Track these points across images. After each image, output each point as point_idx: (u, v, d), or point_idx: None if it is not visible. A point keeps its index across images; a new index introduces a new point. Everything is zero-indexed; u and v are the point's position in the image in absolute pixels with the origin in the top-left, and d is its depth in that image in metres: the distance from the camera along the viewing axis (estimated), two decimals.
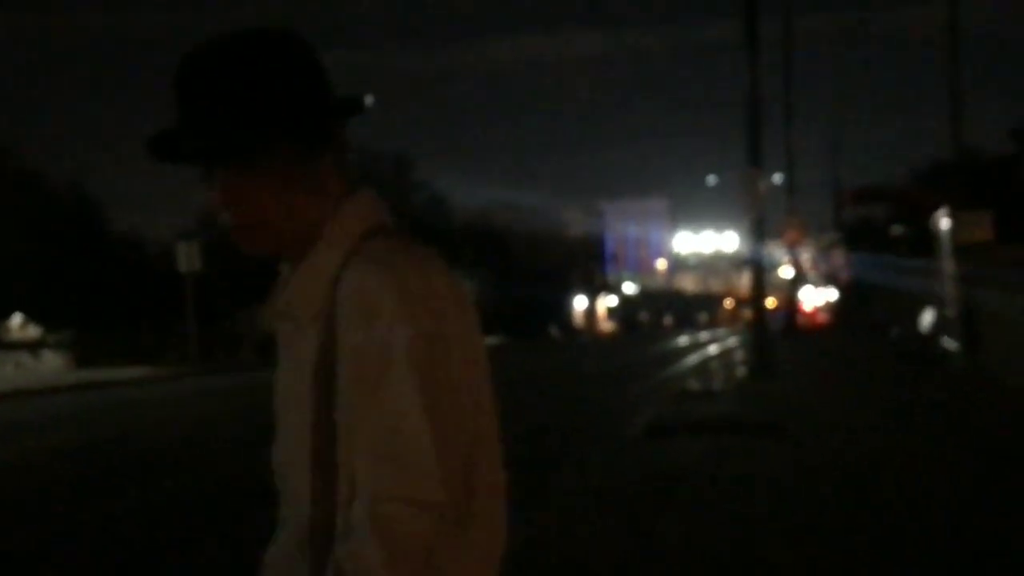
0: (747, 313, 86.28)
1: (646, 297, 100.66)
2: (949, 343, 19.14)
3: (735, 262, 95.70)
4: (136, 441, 14.55)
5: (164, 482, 10.47)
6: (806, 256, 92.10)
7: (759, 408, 14.47)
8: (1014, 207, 24.08)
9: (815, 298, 66.57)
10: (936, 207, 21.12)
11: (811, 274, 74.31)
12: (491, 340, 45.16)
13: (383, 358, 1.48)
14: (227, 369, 33.45)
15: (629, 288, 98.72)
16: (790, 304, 39.60)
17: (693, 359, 32.36)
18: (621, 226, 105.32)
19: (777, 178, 41.69)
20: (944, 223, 20.11)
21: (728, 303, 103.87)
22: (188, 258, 32.96)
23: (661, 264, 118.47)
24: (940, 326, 20.07)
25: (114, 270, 40.97)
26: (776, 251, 41.26)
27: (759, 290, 19.23)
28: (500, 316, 52.58)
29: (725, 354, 33.55)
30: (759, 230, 18.91)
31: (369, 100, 1.58)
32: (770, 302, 38.29)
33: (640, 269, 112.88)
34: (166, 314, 37.92)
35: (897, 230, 35.43)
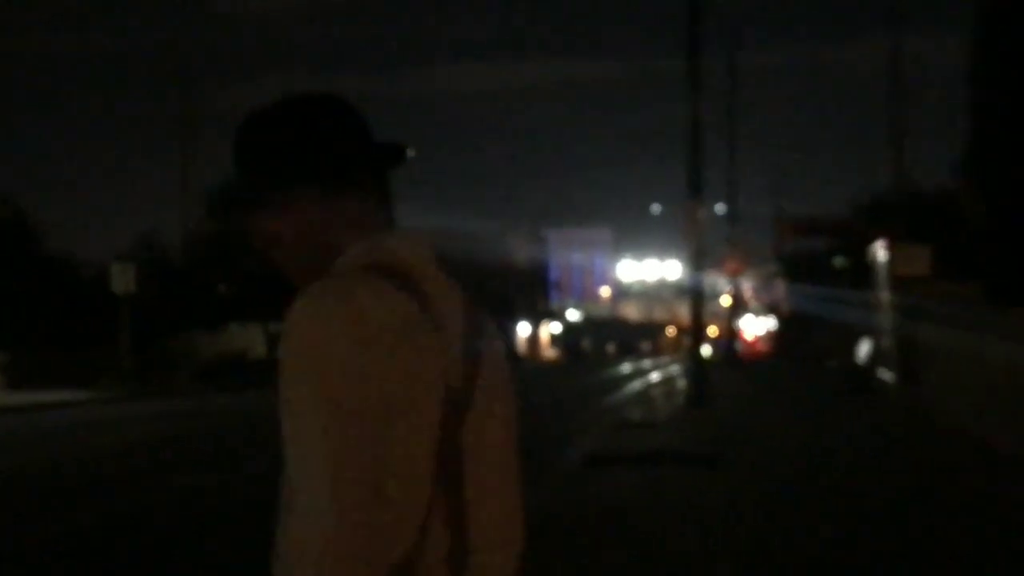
0: (689, 341, 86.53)
1: (590, 324, 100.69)
2: (885, 374, 19.27)
3: (678, 291, 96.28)
4: (51, 468, 14.19)
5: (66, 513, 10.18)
6: (748, 286, 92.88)
7: (696, 438, 14.44)
8: (953, 242, 24.36)
9: (756, 328, 67.06)
10: (875, 240, 21.33)
11: (752, 304, 74.93)
12: None
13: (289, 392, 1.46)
14: (162, 393, 32.92)
15: (573, 315, 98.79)
16: (731, 333, 39.79)
17: (634, 387, 32.38)
18: (565, 253, 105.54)
19: (720, 208, 41.99)
20: (881, 255, 20.29)
21: (670, 331, 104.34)
22: (123, 279, 32.48)
23: (605, 292, 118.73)
24: (876, 358, 20.22)
25: (48, 291, 40.30)
26: (719, 280, 41.51)
27: (698, 319, 19.27)
28: None
29: (666, 382, 33.61)
30: (699, 260, 18.99)
31: (411, 152, 1.72)
32: (712, 331, 38.41)
33: (584, 297, 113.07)
34: (101, 336, 37.36)
35: (839, 262, 35.78)
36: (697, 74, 18.74)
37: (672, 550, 7.60)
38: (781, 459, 12.25)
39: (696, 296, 19.22)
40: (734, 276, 35.66)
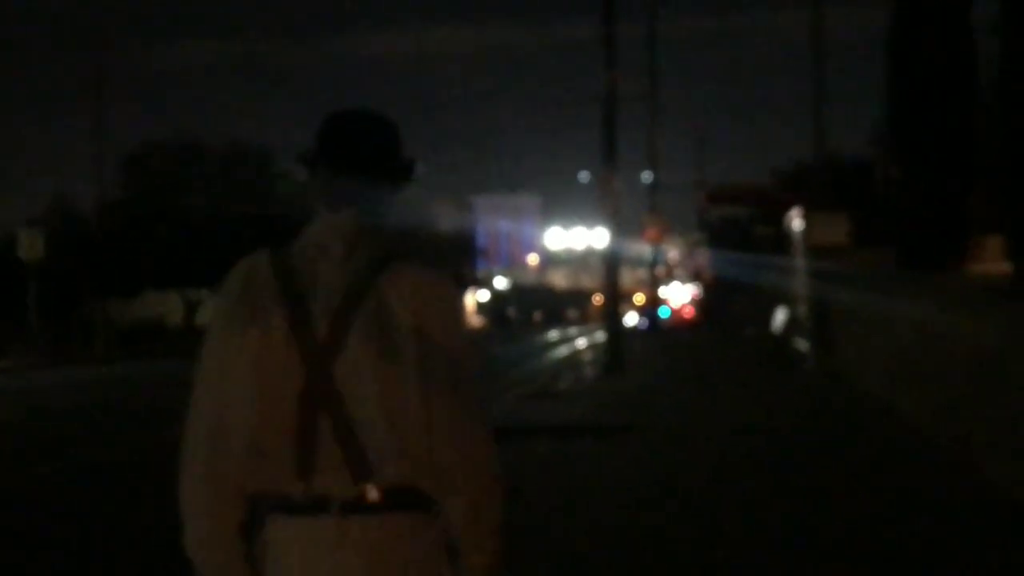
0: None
1: (517, 292, 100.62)
2: (800, 343, 19.29)
3: (605, 258, 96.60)
4: None
5: None
6: (674, 254, 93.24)
7: (609, 408, 14.27)
8: (871, 211, 24.46)
9: (683, 295, 67.38)
10: (793, 207, 21.30)
11: (679, 271, 75.25)
12: None
13: None
14: (75, 362, 32.15)
15: (500, 283, 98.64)
16: (655, 301, 39.84)
17: (556, 355, 32.26)
18: (492, 221, 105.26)
19: (646, 176, 41.87)
20: (796, 223, 20.27)
21: (597, 299, 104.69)
22: (31, 246, 31.57)
23: (533, 260, 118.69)
24: (792, 326, 20.23)
25: None
26: (647, 248, 41.49)
27: (613, 288, 19.12)
28: None
29: (589, 349, 33.54)
30: (615, 227, 18.84)
31: (420, 168, 2.45)
32: (639, 298, 38.36)
33: (511, 264, 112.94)
34: (10, 305, 36.39)
35: (762, 230, 35.87)
36: (611, 42, 18.56)
37: (579, 525, 7.38)
38: (689, 431, 12.12)
39: (612, 264, 19.07)
40: (654, 244, 35.64)
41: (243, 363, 2.19)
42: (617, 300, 19.58)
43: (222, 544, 2.24)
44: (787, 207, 21.26)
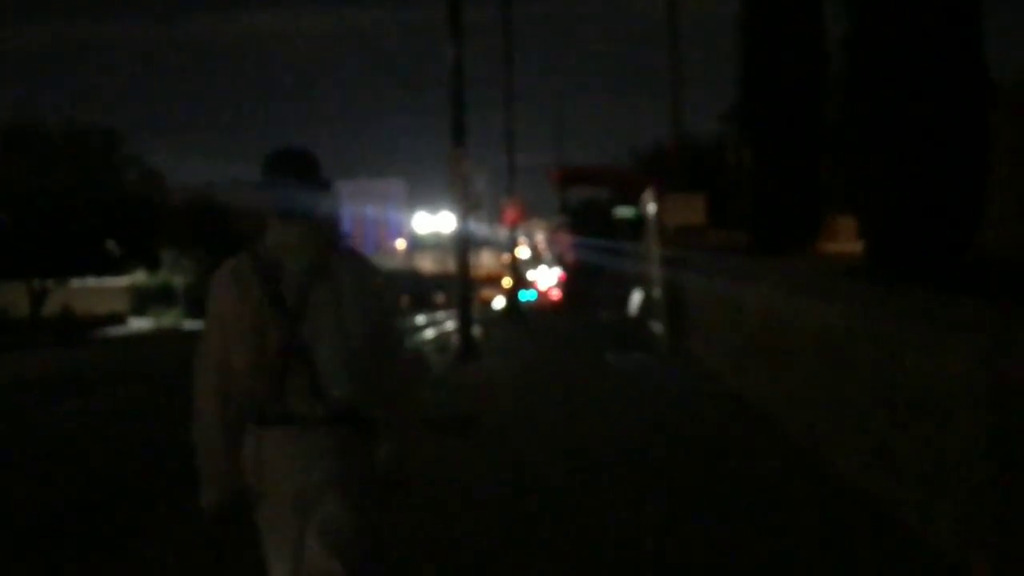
0: (485, 293, 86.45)
1: (384, 277, 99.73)
2: (656, 326, 19.05)
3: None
4: None
5: None
6: (540, 237, 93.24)
7: (458, 398, 13.73)
8: (725, 191, 24.43)
9: (550, 278, 67.39)
10: (646, 189, 21.06)
11: (544, 254, 75.22)
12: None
13: None
14: None
15: None
16: (518, 285, 39.52)
17: (416, 340, 31.63)
18: (358, 206, 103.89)
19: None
20: (651, 205, 20.04)
21: None
22: None
23: (400, 244, 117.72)
24: (647, 309, 19.99)
25: None
26: (510, 231, 41.14)
27: (465, 272, 18.62)
28: None
29: (453, 334, 32.97)
30: (465, 210, 18.37)
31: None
32: (506, 282, 38.10)
33: (379, 249, 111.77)
34: None
35: (621, 212, 35.73)
36: (457, 21, 18.09)
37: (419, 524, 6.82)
38: (536, 422, 11.67)
39: (463, 248, 18.57)
40: (513, 226, 35.28)
41: (240, 327, 3.44)
42: (470, 285, 19.04)
43: (218, 433, 3.49)
44: (641, 188, 21.01)
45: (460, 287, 18.77)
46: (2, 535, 7.77)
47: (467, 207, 18.33)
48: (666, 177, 25.92)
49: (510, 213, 33.44)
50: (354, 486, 3.47)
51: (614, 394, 13.63)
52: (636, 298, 20.87)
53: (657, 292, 19.00)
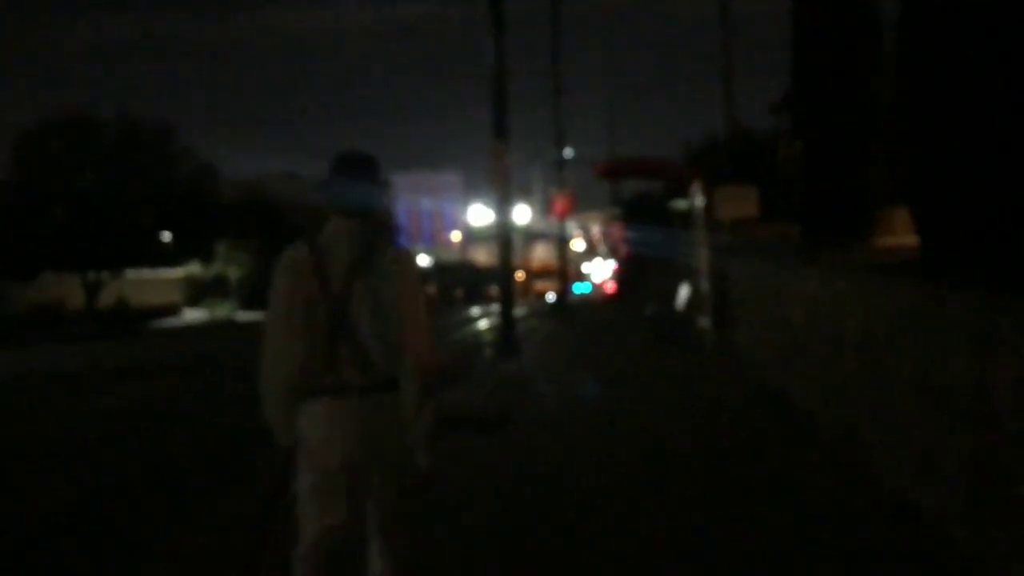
0: (539, 285, 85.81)
1: (439, 269, 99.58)
2: (703, 320, 18.64)
3: (527, 235, 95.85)
4: None
5: None
6: (595, 229, 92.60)
7: (495, 397, 13.46)
8: (777, 184, 23.92)
9: (604, 270, 66.94)
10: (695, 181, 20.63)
11: (599, 247, 74.76)
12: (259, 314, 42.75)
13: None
14: None
15: (422, 260, 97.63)
16: (565, 279, 39.22)
17: (471, 330, 31.46)
18: (414, 198, 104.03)
19: (568, 152, 41.25)
20: (698, 198, 19.63)
21: (519, 276, 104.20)
22: None
23: (455, 236, 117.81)
24: (694, 303, 19.58)
25: None
26: (567, 225, 40.88)
27: (507, 266, 18.33)
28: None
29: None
30: (506, 203, 18.08)
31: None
32: (556, 274, 37.74)
33: (434, 242, 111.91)
34: None
35: (679, 204, 35.26)
36: (499, 14, 17.80)
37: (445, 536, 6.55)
38: (573, 424, 11.38)
39: (505, 241, 18.28)
40: (562, 218, 34.93)
41: (297, 307, 4.04)
42: (511, 280, 18.73)
43: (285, 409, 4.08)
44: (690, 180, 20.59)
45: (502, 281, 18.48)
46: (47, 517, 7.86)
47: (505, 200, 18.04)
48: (717, 169, 25.45)
49: (559, 205, 33.09)
50: (394, 453, 4.04)
51: (651, 392, 13.30)
52: (684, 292, 20.46)
53: (705, 285, 18.59)
